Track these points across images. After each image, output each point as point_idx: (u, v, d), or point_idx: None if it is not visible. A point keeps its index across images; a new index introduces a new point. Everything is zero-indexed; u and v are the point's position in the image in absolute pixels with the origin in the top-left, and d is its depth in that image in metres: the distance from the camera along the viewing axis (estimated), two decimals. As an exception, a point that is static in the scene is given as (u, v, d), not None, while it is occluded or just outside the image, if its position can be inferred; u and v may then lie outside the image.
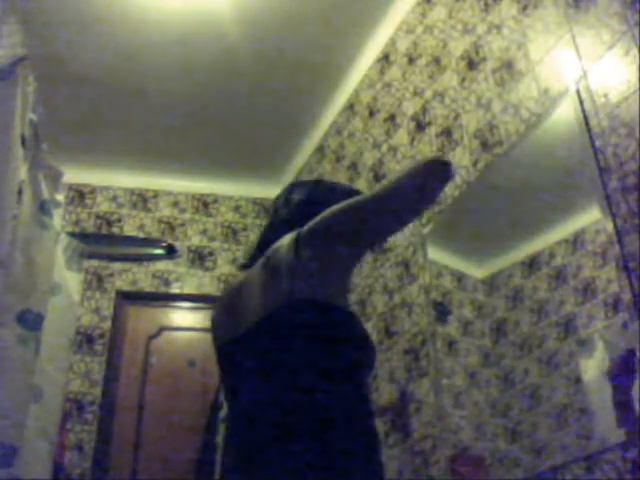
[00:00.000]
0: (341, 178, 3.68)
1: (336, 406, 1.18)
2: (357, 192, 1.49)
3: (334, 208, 1.26)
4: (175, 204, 4.54)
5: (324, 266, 1.24)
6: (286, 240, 1.28)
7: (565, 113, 2.03)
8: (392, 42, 3.33)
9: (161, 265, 4.32)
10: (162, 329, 4.16)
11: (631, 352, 1.69)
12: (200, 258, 4.40)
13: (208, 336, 4.80)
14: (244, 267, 1.46)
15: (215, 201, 4.62)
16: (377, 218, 1.26)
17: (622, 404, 1.72)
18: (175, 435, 3.79)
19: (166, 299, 4.31)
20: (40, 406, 2.49)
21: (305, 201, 1.45)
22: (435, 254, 2.71)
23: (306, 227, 1.26)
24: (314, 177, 4.09)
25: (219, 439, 3.42)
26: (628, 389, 1.70)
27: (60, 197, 2.68)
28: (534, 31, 2.26)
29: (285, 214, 1.45)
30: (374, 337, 3.03)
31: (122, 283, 4.20)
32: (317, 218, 1.26)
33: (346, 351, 1.25)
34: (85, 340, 3.96)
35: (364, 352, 1.30)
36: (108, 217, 4.39)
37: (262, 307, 1.28)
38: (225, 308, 1.43)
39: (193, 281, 4.33)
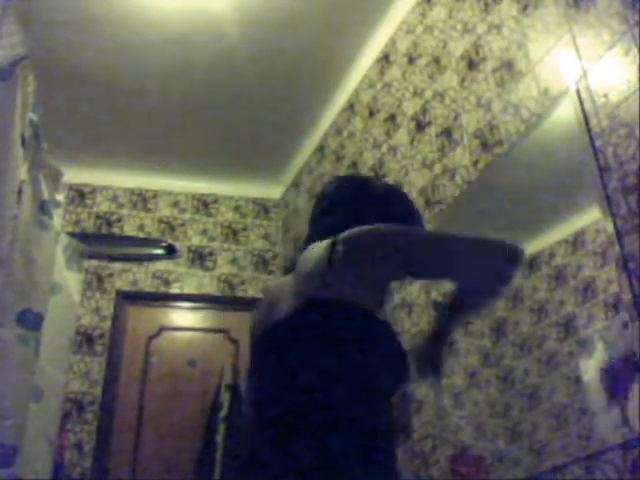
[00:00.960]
0: (341, 178, 3.68)
1: (337, 407, 1.17)
2: (407, 208, 1.48)
3: (377, 230, 1.22)
4: (175, 204, 4.54)
5: (355, 277, 1.21)
6: (322, 246, 1.25)
7: (565, 113, 2.03)
8: (392, 42, 3.33)
9: (161, 265, 4.32)
10: (162, 329, 4.16)
11: (631, 354, 1.69)
12: (200, 258, 4.40)
13: (208, 336, 4.81)
14: (287, 271, 1.44)
15: (215, 201, 4.62)
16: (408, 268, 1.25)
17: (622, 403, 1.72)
18: (175, 435, 3.79)
19: (166, 299, 4.31)
20: (40, 406, 2.49)
21: (353, 204, 1.41)
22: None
23: (342, 237, 1.22)
24: (313, 181, 4.10)
25: (219, 439, 3.43)
26: (627, 389, 1.70)
27: (60, 197, 2.68)
28: (534, 31, 2.26)
29: (330, 220, 1.40)
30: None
31: (122, 283, 4.20)
32: (356, 231, 1.22)
33: (358, 353, 1.22)
34: (85, 340, 3.96)
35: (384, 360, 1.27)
36: (108, 217, 4.39)
37: (285, 308, 1.26)
38: (260, 311, 1.41)
39: (193, 281, 4.33)
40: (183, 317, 4.37)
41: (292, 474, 1.11)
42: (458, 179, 2.59)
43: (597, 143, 1.88)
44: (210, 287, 4.33)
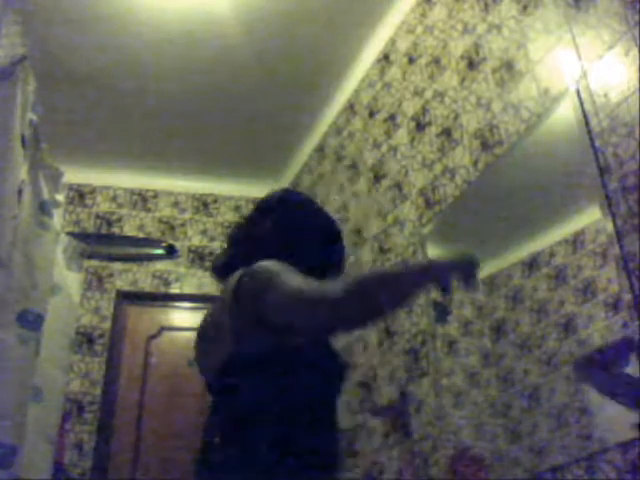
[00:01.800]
0: (341, 178, 3.68)
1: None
2: (331, 230, 1.47)
3: (279, 287, 1.16)
4: (175, 204, 4.54)
5: (259, 327, 1.19)
6: (229, 288, 1.25)
7: (565, 113, 2.03)
8: (392, 42, 3.33)
9: (161, 265, 4.32)
10: (162, 329, 4.16)
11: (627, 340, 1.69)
12: (200, 258, 4.40)
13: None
14: (217, 271, 1.44)
15: (215, 201, 4.62)
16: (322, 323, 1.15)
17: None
18: (175, 435, 3.79)
19: (166, 299, 4.31)
20: (40, 406, 2.49)
21: (282, 225, 1.40)
22: (435, 254, 2.71)
23: (244, 285, 1.21)
24: (313, 181, 4.10)
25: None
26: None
27: (60, 197, 2.68)
28: (534, 31, 2.26)
29: (261, 231, 1.41)
30: (374, 337, 3.03)
31: (122, 283, 4.20)
32: (255, 280, 1.20)
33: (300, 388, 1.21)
34: (85, 340, 3.96)
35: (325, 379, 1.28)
36: (108, 217, 4.39)
37: (213, 363, 1.27)
38: (198, 342, 1.40)
39: (193, 281, 4.33)
40: (183, 317, 4.37)
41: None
42: (458, 179, 2.59)
43: (597, 143, 1.88)
44: (210, 287, 4.32)
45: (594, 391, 1.80)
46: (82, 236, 3.72)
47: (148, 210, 4.47)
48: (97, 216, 4.37)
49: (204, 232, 4.49)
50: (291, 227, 1.40)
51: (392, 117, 3.22)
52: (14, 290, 2.20)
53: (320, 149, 4.09)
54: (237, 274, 1.27)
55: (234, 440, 1.18)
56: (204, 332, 1.35)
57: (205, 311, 1.42)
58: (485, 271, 2.47)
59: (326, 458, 1.22)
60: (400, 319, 2.84)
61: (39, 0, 3.14)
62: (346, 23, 3.37)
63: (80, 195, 4.40)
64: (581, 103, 1.95)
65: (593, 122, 1.90)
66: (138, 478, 3.69)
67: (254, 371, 1.19)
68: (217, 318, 1.29)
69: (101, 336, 4.01)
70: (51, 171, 2.60)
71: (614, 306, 1.79)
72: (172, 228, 4.46)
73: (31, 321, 2.24)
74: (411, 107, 3.05)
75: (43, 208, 2.47)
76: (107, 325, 4.04)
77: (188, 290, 4.30)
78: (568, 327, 1.96)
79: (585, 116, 1.93)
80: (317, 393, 1.23)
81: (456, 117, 2.67)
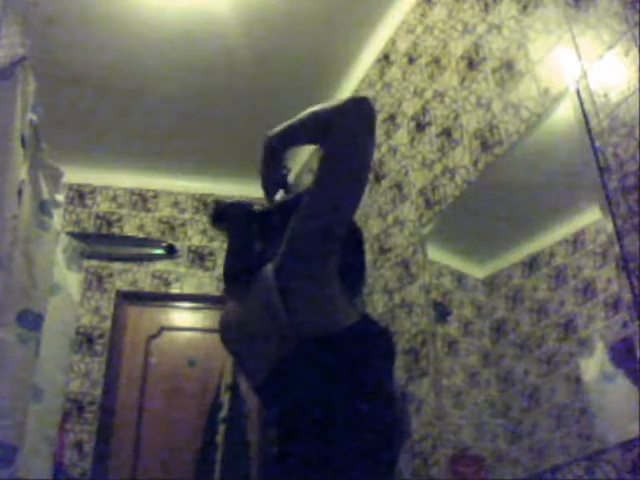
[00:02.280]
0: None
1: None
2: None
3: (298, 225, 1.16)
4: (175, 204, 4.54)
5: (314, 289, 1.16)
6: (269, 274, 1.20)
7: (565, 113, 2.03)
8: (392, 42, 3.33)
9: (161, 265, 4.32)
10: (162, 329, 4.16)
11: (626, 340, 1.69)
12: (200, 258, 4.40)
13: (208, 336, 4.78)
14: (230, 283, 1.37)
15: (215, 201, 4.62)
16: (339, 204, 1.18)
17: None
18: (175, 435, 3.79)
19: (166, 299, 4.31)
20: (40, 406, 2.49)
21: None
22: (435, 254, 2.71)
23: (280, 257, 1.18)
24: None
25: (219, 439, 3.42)
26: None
27: (60, 197, 2.68)
28: (534, 31, 2.26)
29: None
30: (374, 337, 3.03)
31: (122, 283, 4.20)
32: (287, 246, 1.17)
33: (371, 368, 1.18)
34: (85, 340, 3.96)
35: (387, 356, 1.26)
36: (108, 217, 4.39)
37: (271, 353, 1.20)
38: (237, 346, 1.33)
39: (193, 281, 4.33)
40: (183, 317, 4.37)
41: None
42: (458, 179, 2.59)
43: (597, 143, 1.88)
44: (210, 287, 4.33)
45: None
46: (82, 236, 3.72)
47: (148, 210, 4.48)
48: (97, 216, 4.37)
49: (204, 232, 4.49)
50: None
51: (392, 117, 3.22)
52: (14, 290, 2.20)
53: (320, 149, 4.08)
54: (268, 268, 1.21)
55: (307, 433, 1.13)
56: (245, 332, 1.29)
57: (224, 315, 1.36)
58: (485, 271, 2.48)
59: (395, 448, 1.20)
60: (400, 319, 2.84)
61: (39, 0, 3.14)
62: (346, 23, 3.37)
63: (80, 195, 4.40)
64: (581, 103, 1.95)
65: (593, 122, 1.90)
66: (138, 478, 3.69)
67: (319, 357, 1.15)
68: (261, 313, 1.22)
69: (101, 336, 4.01)
70: (51, 171, 2.60)
71: (614, 306, 1.79)
72: (172, 228, 4.46)
73: (31, 321, 2.24)
74: (411, 107, 3.05)
75: (43, 208, 2.47)
76: (107, 325, 4.05)
77: (188, 290, 4.30)
78: (568, 327, 1.97)
79: (585, 116, 1.93)
80: (380, 373, 1.21)
81: (456, 117, 2.67)
